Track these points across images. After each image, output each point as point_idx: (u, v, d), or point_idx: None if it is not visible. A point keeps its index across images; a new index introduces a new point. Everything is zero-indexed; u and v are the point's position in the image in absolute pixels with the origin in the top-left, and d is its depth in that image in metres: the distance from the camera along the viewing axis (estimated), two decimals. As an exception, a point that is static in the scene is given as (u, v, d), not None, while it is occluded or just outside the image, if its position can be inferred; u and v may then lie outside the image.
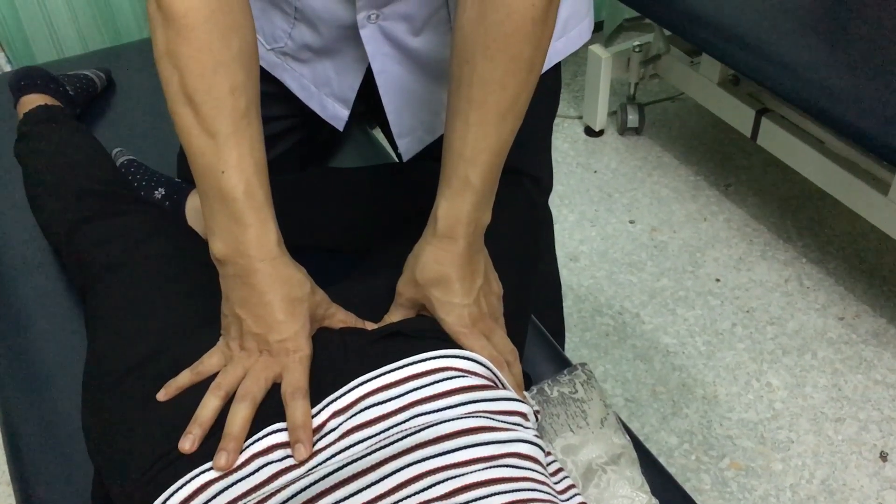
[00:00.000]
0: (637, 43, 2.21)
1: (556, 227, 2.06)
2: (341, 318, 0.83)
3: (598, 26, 2.72)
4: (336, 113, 1.09)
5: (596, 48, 2.23)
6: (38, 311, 1.12)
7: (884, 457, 1.55)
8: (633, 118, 2.33)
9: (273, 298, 0.76)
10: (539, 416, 0.80)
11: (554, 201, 2.13)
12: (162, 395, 0.76)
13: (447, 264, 0.80)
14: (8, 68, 1.87)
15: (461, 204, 0.80)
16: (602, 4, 2.66)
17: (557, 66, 1.15)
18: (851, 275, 1.90)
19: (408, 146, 1.09)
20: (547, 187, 1.30)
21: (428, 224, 0.83)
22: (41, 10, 1.90)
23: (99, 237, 1.02)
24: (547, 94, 1.15)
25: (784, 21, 1.76)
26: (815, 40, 1.71)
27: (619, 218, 2.09)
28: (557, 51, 1.08)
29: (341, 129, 1.10)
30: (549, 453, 0.76)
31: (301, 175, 1.19)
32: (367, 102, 1.10)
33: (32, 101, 1.33)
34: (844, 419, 1.61)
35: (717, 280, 1.91)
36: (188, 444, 0.71)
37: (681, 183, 2.18)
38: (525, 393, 0.81)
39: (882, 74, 1.59)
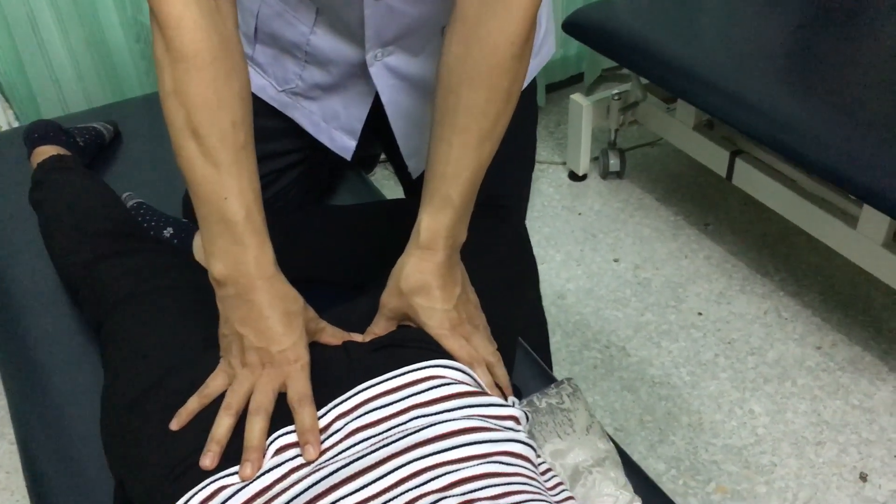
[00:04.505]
0: (616, 91, 2.32)
1: (544, 267, 2.14)
2: (330, 331, 0.90)
3: (580, 77, 2.84)
4: (344, 144, 1.18)
5: (577, 97, 2.34)
6: (52, 346, 1.18)
7: (863, 477, 1.61)
8: (614, 163, 2.43)
9: (272, 313, 0.83)
10: (530, 418, 0.86)
11: (541, 242, 2.22)
12: (175, 425, 0.81)
13: (428, 273, 0.88)
14: (16, 124, 1.95)
15: (442, 219, 0.89)
16: (582, 56, 2.78)
17: (532, 92, 1.24)
18: (827, 306, 1.98)
19: (416, 165, 1.18)
20: (525, 207, 1.40)
21: (410, 238, 0.91)
22: (47, 69, 1.99)
23: (115, 273, 1.09)
24: (523, 120, 1.24)
25: (753, 67, 1.87)
26: (783, 84, 1.82)
27: (604, 257, 2.17)
28: (532, 69, 1.18)
29: (349, 158, 1.19)
30: (538, 455, 0.83)
31: (305, 211, 1.26)
32: (374, 131, 1.19)
33: (45, 151, 1.40)
34: (825, 443, 1.68)
35: (699, 314, 1.99)
36: (209, 460, 0.77)
37: (662, 223, 2.27)
38: (513, 398, 0.88)
39: (845, 114, 1.69)
